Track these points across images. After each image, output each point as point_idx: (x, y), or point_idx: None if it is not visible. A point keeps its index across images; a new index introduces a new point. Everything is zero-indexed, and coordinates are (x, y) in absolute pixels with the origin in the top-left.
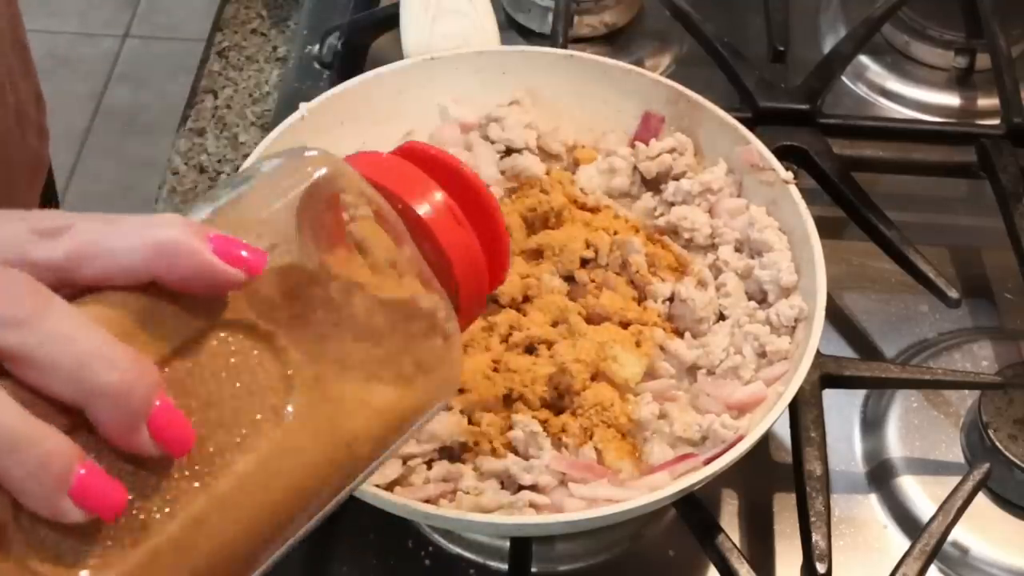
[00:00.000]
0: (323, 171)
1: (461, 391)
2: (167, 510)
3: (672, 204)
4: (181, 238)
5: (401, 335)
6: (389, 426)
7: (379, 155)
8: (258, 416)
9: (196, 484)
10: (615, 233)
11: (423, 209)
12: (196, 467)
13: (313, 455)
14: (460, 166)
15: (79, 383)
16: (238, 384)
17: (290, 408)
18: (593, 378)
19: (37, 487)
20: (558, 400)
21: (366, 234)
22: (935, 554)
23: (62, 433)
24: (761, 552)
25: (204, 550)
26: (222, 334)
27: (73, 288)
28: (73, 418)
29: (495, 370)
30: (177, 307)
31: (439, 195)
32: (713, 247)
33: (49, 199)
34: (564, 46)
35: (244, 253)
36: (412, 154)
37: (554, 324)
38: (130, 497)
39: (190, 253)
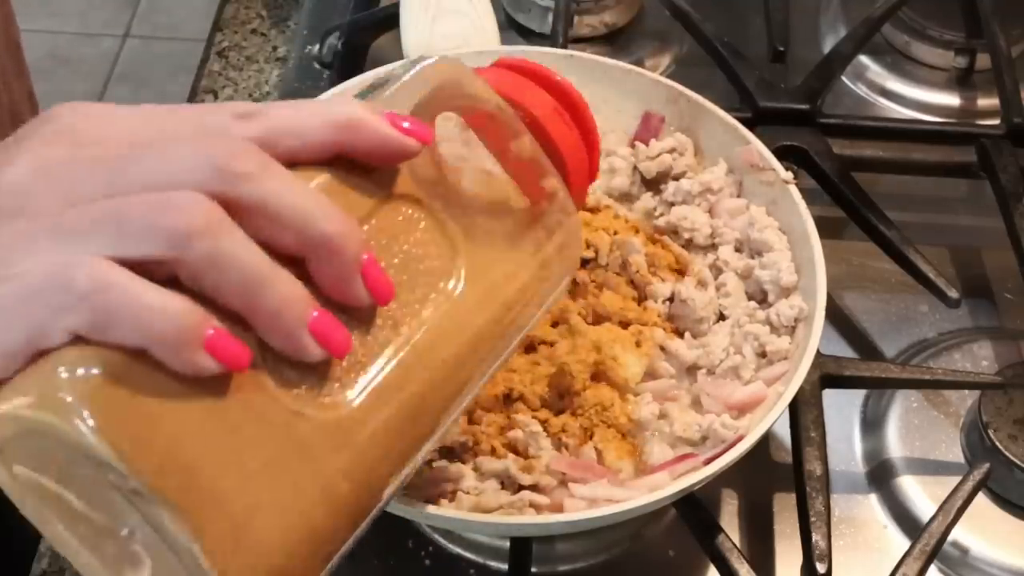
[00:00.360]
0: (450, 75)
1: None
2: (376, 355)
3: (672, 204)
4: (363, 114)
5: (533, 211)
6: (535, 295)
7: (488, 68)
8: (434, 279)
9: (396, 335)
10: (615, 233)
11: (538, 111)
12: (393, 320)
13: (482, 313)
14: (554, 75)
15: (305, 232)
16: (414, 248)
17: (459, 270)
18: (593, 378)
19: (283, 323)
20: (558, 400)
21: (490, 128)
22: (935, 554)
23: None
24: (761, 552)
25: (411, 392)
26: (394, 205)
27: None
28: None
29: None
30: (357, 181)
31: (548, 99)
32: (713, 247)
33: None
34: (564, 46)
35: (415, 126)
36: (511, 66)
37: (554, 324)
38: None
39: (373, 125)
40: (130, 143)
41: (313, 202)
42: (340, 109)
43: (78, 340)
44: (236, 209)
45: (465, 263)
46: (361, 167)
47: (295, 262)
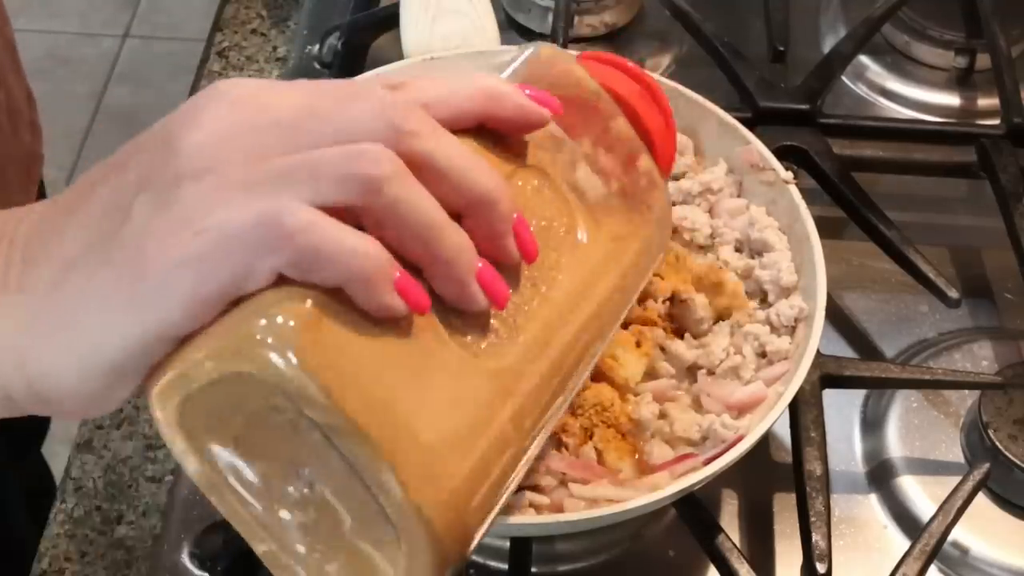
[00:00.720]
0: (554, 60)
1: None
2: (524, 311)
3: (672, 204)
4: (504, 86)
5: (635, 185)
6: (644, 263)
7: (582, 58)
8: (564, 241)
9: (536, 292)
10: None
11: (628, 96)
12: (532, 278)
13: (606, 276)
14: (634, 66)
15: (468, 187)
16: (544, 212)
17: (581, 237)
18: (593, 378)
19: (456, 271)
20: None
21: (590, 109)
22: (935, 554)
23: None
24: (761, 552)
25: (553, 347)
26: (524, 174)
27: None
28: None
29: None
30: (496, 149)
31: (635, 86)
32: (713, 247)
33: (40, 195)
34: (564, 46)
35: (545, 97)
36: (596, 57)
37: None
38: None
39: (514, 96)
40: (302, 108)
41: (474, 161)
42: (482, 81)
43: (276, 283)
44: (409, 164)
45: (587, 231)
46: (495, 137)
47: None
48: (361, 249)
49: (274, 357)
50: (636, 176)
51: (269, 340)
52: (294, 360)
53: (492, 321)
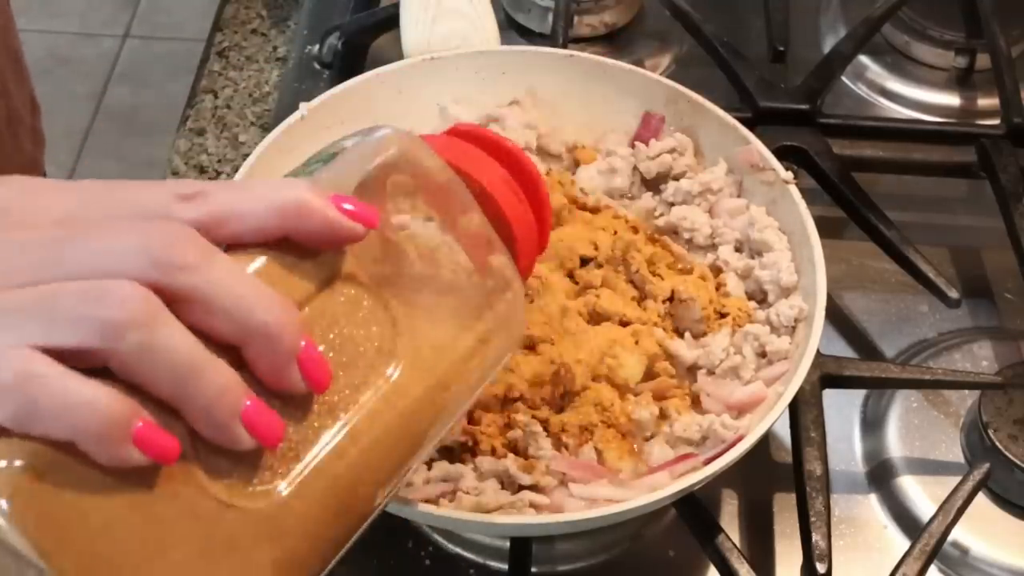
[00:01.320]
0: (400, 147)
1: None
2: (312, 442)
3: (672, 204)
4: (308, 197)
5: (478, 290)
6: (475, 373)
7: (440, 136)
8: (373, 360)
9: (332, 419)
10: (615, 233)
11: (488, 183)
12: (328, 404)
13: (418, 393)
14: (508, 143)
15: (241, 322)
16: (356, 331)
17: (398, 350)
18: (593, 378)
19: (215, 413)
20: (558, 400)
21: (440, 202)
22: (935, 554)
23: (229, 367)
24: (761, 552)
25: (345, 477)
26: (340, 288)
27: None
28: (228, 361)
29: None
30: (300, 264)
31: (499, 171)
32: (713, 247)
33: None
34: (564, 46)
35: (360, 209)
36: (464, 134)
37: (555, 324)
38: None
39: (318, 210)
40: (66, 224)
41: (251, 291)
42: (285, 194)
43: (2, 429)
44: (172, 298)
45: (405, 342)
46: (305, 248)
47: (231, 347)
48: (86, 402)
49: None
50: (484, 275)
51: None
52: (5, 513)
53: (268, 456)
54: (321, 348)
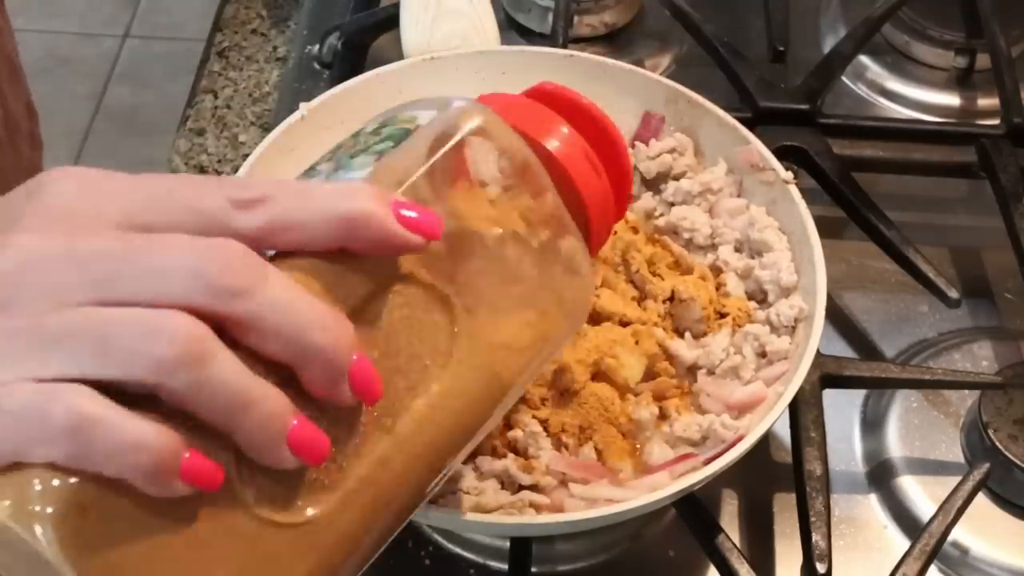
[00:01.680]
0: (477, 123)
1: None
2: (357, 453)
3: (672, 204)
4: (369, 209)
5: (545, 277)
6: (532, 360)
7: (518, 99)
8: (428, 362)
9: (379, 428)
10: (615, 233)
11: (565, 157)
12: (378, 412)
13: (473, 393)
14: (592, 107)
15: (296, 345)
16: (411, 333)
17: (454, 353)
18: (593, 377)
19: (264, 439)
20: (559, 399)
21: (514, 184)
22: (935, 554)
23: (277, 389)
24: (761, 552)
25: (388, 484)
26: (397, 288)
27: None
28: (277, 375)
29: None
30: (359, 268)
31: (579, 143)
32: (713, 247)
33: None
34: (564, 46)
35: (423, 219)
36: (546, 95)
37: None
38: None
39: (378, 224)
40: (124, 232)
41: (304, 313)
42: (349, 206)
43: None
44: (226, 324)
45: (463, 343)
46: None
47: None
48: (137, 442)
49: (31, 533)
50: (553, 263)
51: (29, 514)
52: (52, 541)
53: (309, 472)
54: (374, 355)
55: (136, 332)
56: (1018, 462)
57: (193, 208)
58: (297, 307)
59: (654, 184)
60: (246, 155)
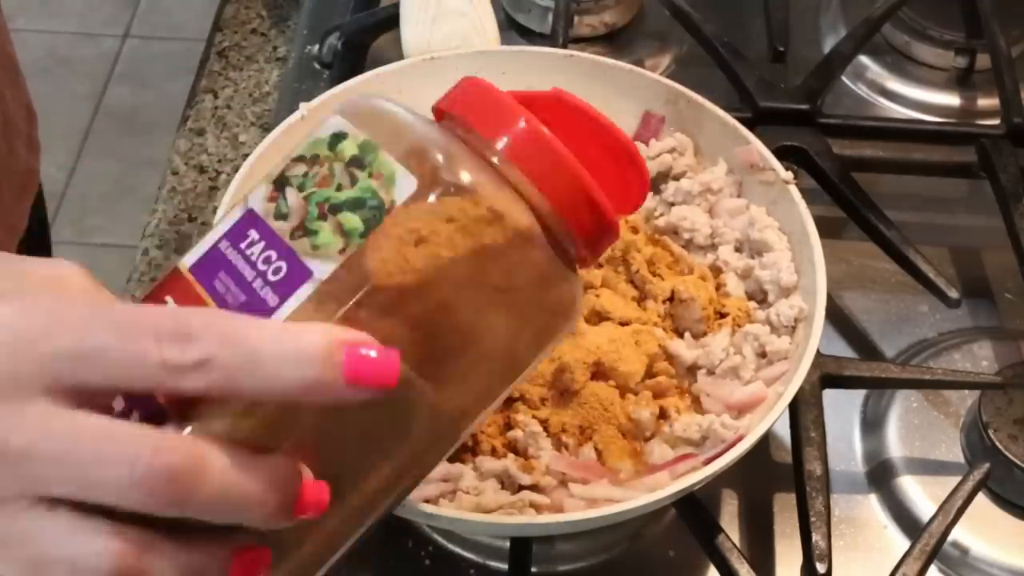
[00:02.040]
0: (447, 187)
1: None
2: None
3: (672, 204)
4: (321, 380)
5: (513, 320)
6: (500, 399)
7: (528, 96)
8: (386, 444)
9: (333, 506)
10: None
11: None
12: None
13: (434, 447)
14: (602, 119)
15: (241, 520)
16: (366, 420)
17: (412, 429)
18: (593, 377)
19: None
20: (559, 399)
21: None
22: (935, 554)
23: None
24: (761, 552)
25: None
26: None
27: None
28: None
29: None
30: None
31: (583, 178)
32: (713, 247)
33: (37, 214)
34: (564, 46)
35: (380, 365)
36: (547, 102)
37: None
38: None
39: (329, 393)
40: (56, 395)
41: (247, 497)
42: (299, 374)
43: None
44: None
45: (422, 414)
46: None
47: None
48: None
49: None
50: (535, 315)
51: None
52: None
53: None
54: (319, 463)
55: (66, 554)
56: (1018, 462)
57: (127, 370)
58: (235, 494)
59: (654, 184)
60: (246, 155)
